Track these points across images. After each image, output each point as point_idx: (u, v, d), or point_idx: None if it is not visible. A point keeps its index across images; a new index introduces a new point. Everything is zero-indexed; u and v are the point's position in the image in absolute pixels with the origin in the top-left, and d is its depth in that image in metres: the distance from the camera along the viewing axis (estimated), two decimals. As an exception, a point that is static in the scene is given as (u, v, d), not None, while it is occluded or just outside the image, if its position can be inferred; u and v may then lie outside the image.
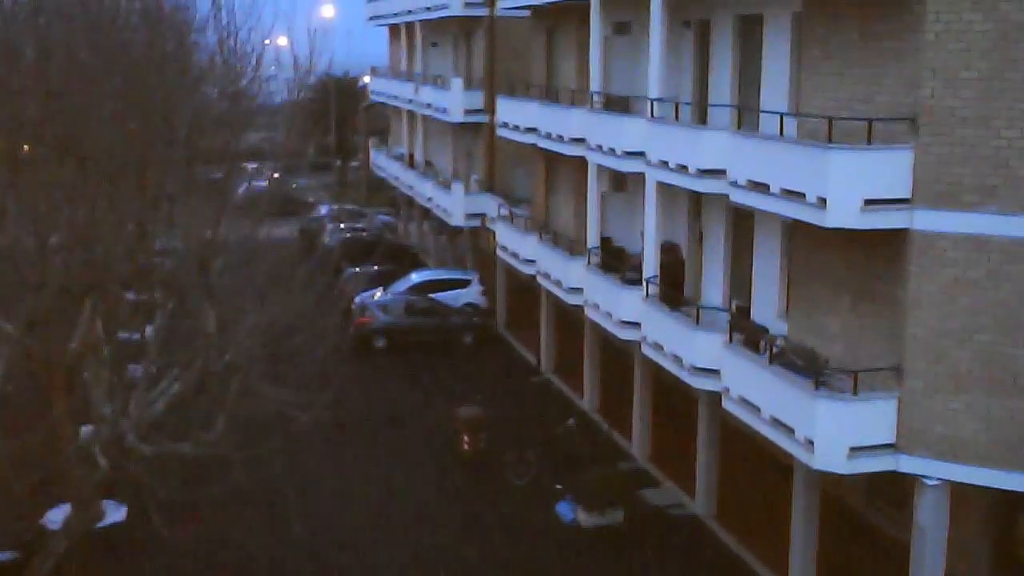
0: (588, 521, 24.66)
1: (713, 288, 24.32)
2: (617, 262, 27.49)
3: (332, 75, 68.80)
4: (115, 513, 24.23)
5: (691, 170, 21.84)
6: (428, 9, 45.34)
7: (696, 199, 24.68)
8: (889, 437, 17.72)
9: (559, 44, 34.00)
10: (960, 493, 17.71)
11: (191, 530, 22.91)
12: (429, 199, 45.88)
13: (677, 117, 23.79)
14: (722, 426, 24.37)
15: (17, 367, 18.52)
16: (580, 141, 28.44)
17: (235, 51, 19.70)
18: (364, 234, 52.60)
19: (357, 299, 39.69)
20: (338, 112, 75.49)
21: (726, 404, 20.77)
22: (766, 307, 22.02)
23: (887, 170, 17.29)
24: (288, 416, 18.77)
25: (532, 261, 32.98)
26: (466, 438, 28.33)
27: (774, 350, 19.80)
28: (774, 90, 21.58)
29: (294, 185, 64.48)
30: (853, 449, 17.64)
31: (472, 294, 41.41)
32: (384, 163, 56.94)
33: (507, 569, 22.90)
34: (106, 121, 18.35)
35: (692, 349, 22.02)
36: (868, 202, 17.19)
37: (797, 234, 20.28)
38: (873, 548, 20.14)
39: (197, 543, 23.32)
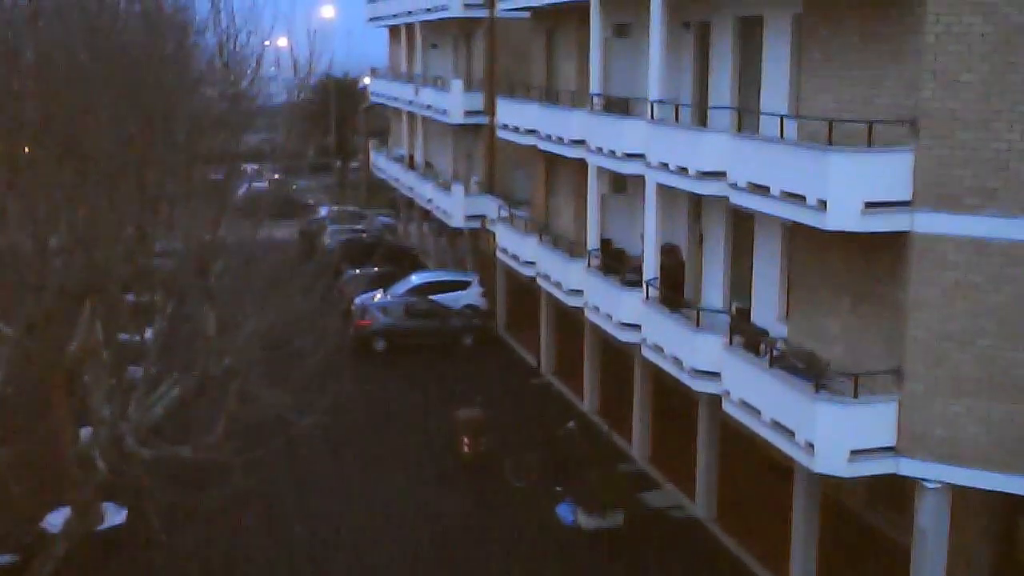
0: (588, 523, 24.64)
1: (713, 290, 24.30)
2: (617, 264, 27.47)
3: (332, 76, 68.78)
4: (115, 516, 24.22)
5: (691, 172, 21.81)
6: (428, 10, 45.33)
7: (696, 201, 24.66)
8: (889, 440, 17.69)
9: (559, 45, 33.98)
10: (961, 496, 17.68)
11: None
12: (429, 201, 45.86)
13: (677, 119, 23.77)
14: (722, 428, 24.35)
15: (17, 370, 18.49)
16: (580, 143, 28.41)
17: (235, 53, 19.68)
18: (364, 236, 52.58)
19: (357, 301, 39.69)
20: (338, 113, 75.48)
21: (726, 407, 20.75)
22: (766, 310, 22.00)
23: (887, 173, 17.26)
24: (288, 419, 18.77)
25: (532, 263, 32.96)
26: (466, 440, 28.31)
27: (774, 353, 19.77)
28: (774, 92, 21.57)
29: (294, 187, 64.52)
30: (854, 452, 17.62)
31: (472, 296, 41.39)
32: (384, 164, 56.92)
33: (507, 571, 22.87)
34: (105, 123, 18.32)
35: (692, 351, 22.00)
36: (868, 205, 17.17)
37: (797, 236, 20.26)
38: (874, 551, 20.12)
39: (197, 546, 23.30)
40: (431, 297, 39.88)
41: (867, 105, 18.31)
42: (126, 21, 20.89)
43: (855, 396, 17.71)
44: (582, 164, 29.08)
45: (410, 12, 49.07)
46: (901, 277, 17.65)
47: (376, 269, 44.40)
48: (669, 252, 25.28)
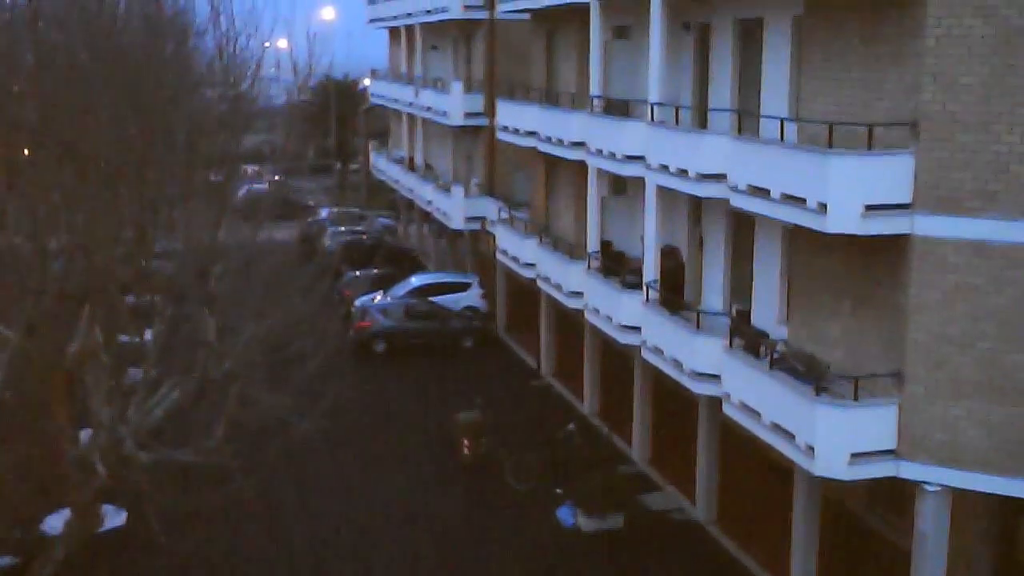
0: (588, 526, 24.63)
1: (713, 292, 24.28)
2: (617, 266, 27.46)
3: (332, 78, 68.81)
4: (115, 518, 24.21)
5: (691, 174, 21.80)
6: (428, 12, 45.34)
7: (696, 203, 24.64)
8: (890, 443, 17.67)
9: (559, 47, 33.97)
10: (961, 499, 17.66)
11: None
12: (429, 202, 45.85)
13: (677, 121, 23.76)
14: (722, 430, 24.33)
15: (17, 372, 18.48)
16: (580, 145, 28.40)
17: (234, 56, 19.68)
18: (364, 237, 52.56)
19: (357, 303, 39.69)
20: (338, 114, 75.49)
21: (726, 409, 20.73)
22: (766, 312, 21.98)
23: (888, 175, 17.24)
24: (288, 422, 18.76)
25: (532, 265, 32.94)
26: (466, 443, 28.30)
27: (774, 355, 19.75)
28: (774, 94, 21.55)
29: (294, 188, 64.53)
30: (854, 455, 17.59)
31: (472, 297, 41.38)
32: (384, 166, 56.92)
33: (507, 574, 22.85)
34: (105, 124, 18.32)
35: (692, 354, 21.98)
36: (869, 207, 17.14)
37: (798, 239, 20.25)
38: (874, 553, 20.10)
39: (197, 548, 23.27)
40: (431, 299, 39.87)
41: (867, 107, 18.30)
42: (126, 23, 20.89)
43: (855, 399, 17.69)
44: (582, 166, 29.07)
45: (410, 14, 49.08)
46: (901, 280, 17.63)
47: (376, 271, 44.40)
48: (669, 254, 25.26)
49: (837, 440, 17.58)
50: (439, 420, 30.68)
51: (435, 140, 49.48)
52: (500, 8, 37.40)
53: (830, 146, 17.61)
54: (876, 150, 17.44)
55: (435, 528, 24.87)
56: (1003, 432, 16.92)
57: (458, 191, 42.00)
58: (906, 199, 17.25)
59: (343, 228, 54.80)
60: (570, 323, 33.04)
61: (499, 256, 36.79)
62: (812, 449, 17.69)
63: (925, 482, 17.46)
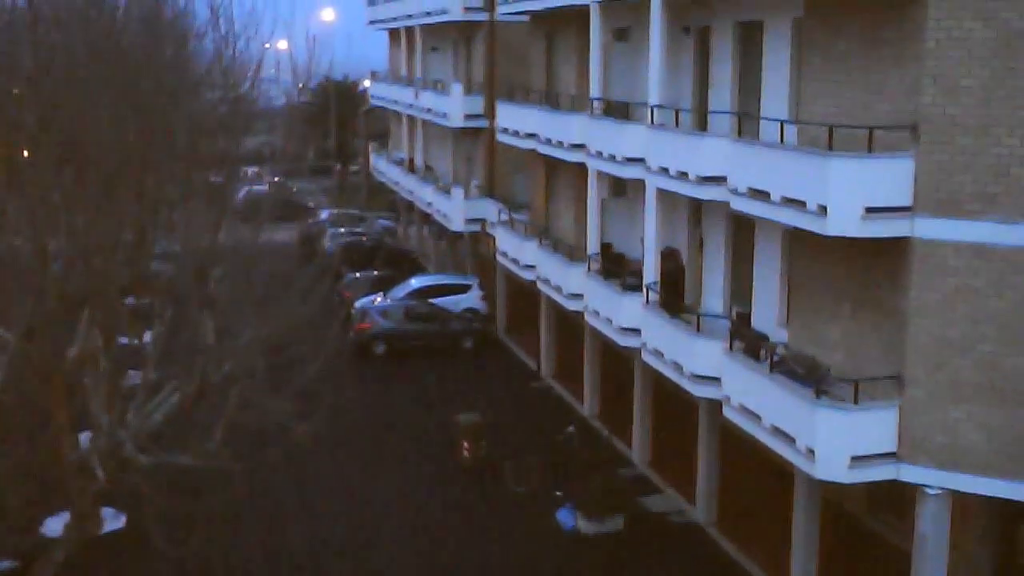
0: (588, 528, 24.61)
1: (713, 295, 24.27)
2: (617, 268, 27.45)
3: (332, 79, 68.77)
4: (114, 521, 24.19)
5: (691, 177, 21.80)
6: (428, 14, 45.34)
7: (696, 206, 24.63)
8: (890, 446, 17.66)
9: (559, 49, 33.96)
10: (961, 502, 17.65)
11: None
12: (429, 204, 45.85)
13: (677, 124, 23.76)
14: (722, 432, 24.31)
15: (16, 375, 18.46)
16: (580, 147, 28.39)
17: (234, 59, 19.67)
18: (364, 239, 52.55)
19: (357, 304, 39.67)
20: (338, 116, 75.47)
21: (727, 412, 20.72)
22: (767, 314, 21.97)
23: (888, 178, 17.24)
24: (288, 426, 18.72)
25: (532, 267, 32.94)
26: (466, 445, 28.29)
27: (775, 358, 19.74)
28: (774, 97, 21.54)
29: (294, 189, 64.54)
30: (854, 458, 17.58)
31: (472, 299, 41.37)
32: (384, 167, 56.91)
33: (507, 577, 22.88)
34: (105, 126, 18.31)
35: (692, 356, 21.97)
36: (869, 210, 17.14)
37: (798, 242, 20.24)
38: (874, 556, 20.09)
39: (197, 551, 23.22)
40: (431, 301, 39.87)
41: (867, 110, 18.29)
42: (125, 25, 20.89)
43: (856, 402, 17.68)
44: (582, 168, 29.06)
45: (410, 15, 49.07)
46: (901, 283, 17.62)
47: (376, 272, 44.38)
48: (669, 256, 25.25)
49: (837, 443, 17.57)
50: (439, 422, 30.66)
51: (435, 142, 49.47)
52: (500, 10, 37.39)
53: (830, 149, 17.61)
54: (876, 153, 17.43)
55: (435, 530, 24.86)
56: (1003, 435, 16.91)
57: (458, 193, 42.00)
58: (906, 202, 17.25)
59: (343, 230, 54.78)
60: (570, 325, 33.03)
61: (499, 258, 36.78)
62: (812, 452, 17.68)
63: (925, 485, 17.45)
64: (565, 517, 25.16)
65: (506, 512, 25.81)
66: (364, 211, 63.84)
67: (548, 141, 30.63)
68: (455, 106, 42.10)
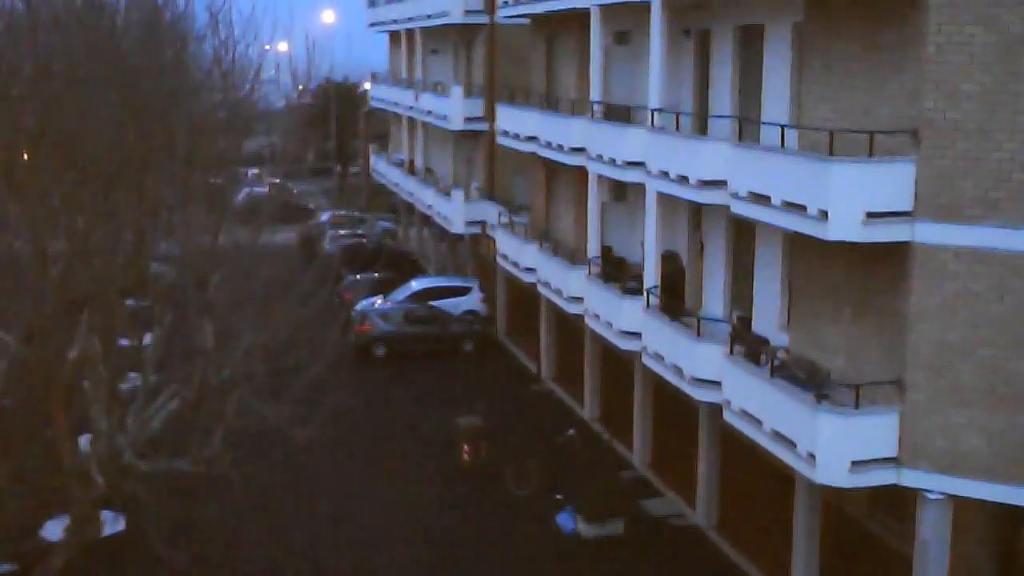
0: (588, 531, 24.59)
1: (714, 299, 24.25)
2: (618, 272, 27.42)
3: (332, 80, 68.79)
4: (114, 524, 24.16)
5: (692, 181, 21.78)
6: (428, 16, 45.34)
7: (697, 210, 24.61)
8: (891, 451, 17.63)
9: (559, 53, 33.95)
10: (962, 506, 17.62)
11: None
12: (429, 206, 45.83)
13: (678, 127, 23.74)
14: (723, 435, 24.29)
15: (15, 380, 18.45)
16: (580, 150, 28.38)
17: (233, 63, 19.67)
18: (364, 240, 52.52)
19: (357, 307, 39.64)
20: (338, 117, 75.48)
21: (727, 416, 20.69)
22: (767, 319, 21.95)
23: (889, 183, 17.21)
24: (287, 430, 18.70)
25: (532, 270, 32.91)
26: (466, 448, 28.27)
27: (775, 362, 19.72)
28: (775, 101, 21.52)
29: (294, 191, 64.52)
30: (855, 463, 17.55)
31: (472, 302, 41.33)
32: (384, 169, 56.90)
33: (507, 581, 22.86)
34: (104, 129, 18.31)
35: (693, 360, 21.94)
36: (870, 215, 17.12)
37: (798, 246, 20.21)
38: (875, 559, 20.07)
39: (197, 554, 23.21)
40: (431, 303, 39.84)
41: (868, 115, 18.27)
42: (125, 28, 20.89)
43: (856, 407, 17.65)
44: (582, 171, 29.04)
45: (410, 18, 49.06)
46: (902, 287, 17.60)
47: (376, 275, 44.35)
48: (670, 260, 25.23)
49: (838, 448, 17.53)
50: (439, 425, 30.63)
51: (435, 144, 49.46)
52: (500, 13, 37.38)
53: (831, 153, 17.58)
54: (877, 157, 17.41)
55: (435, 533, 24.83)
56: (1004, 439, 16.88)
57: (458, 195, 41.99)
58: (907, 207, 17.22)
59: (343, 231, 54.75)
60: (570, 328, 33.01)
61: (499, 260, 36.77)
62: (813, 457, 17.65)
63: (926, 490, 17.42)
64: (565, 520, 25.14)
65: (506, 515, 25.79)
66: (364, 213, 63.83)
67: (548, 144, 30.61)
68: (455, 108, 42.09)
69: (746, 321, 22.61)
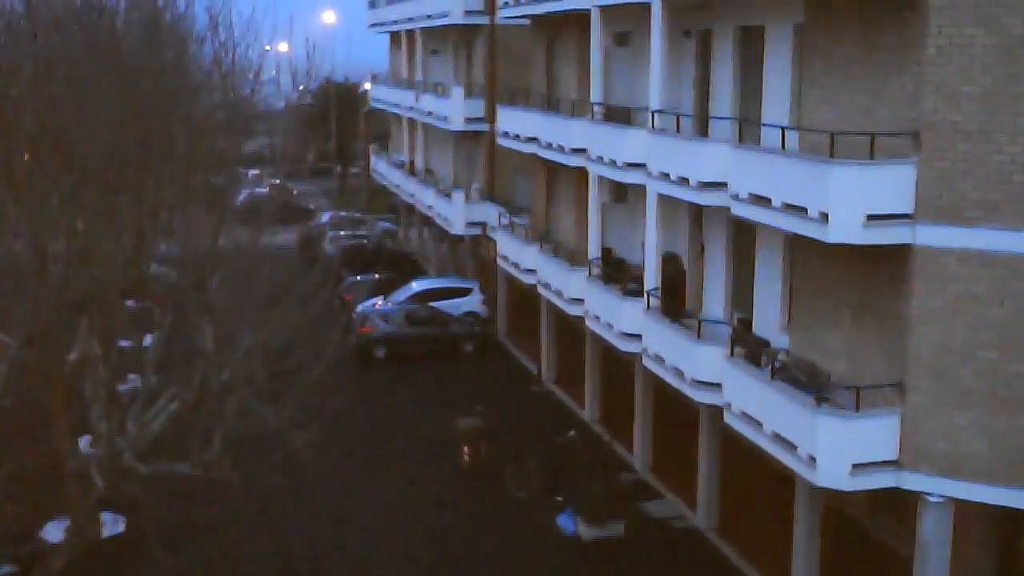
0: (589, 533, 24.57)
1: (714, 301, 24.23)
2: (618, 273, 27.41)
3: (333, 81, 68.77)
4: (114, 526, 24.14)
5: (692, 182, 21.75)
6: (429, 17, 45.33)
7: (697, 211, 24.59)
8: (892, 454, 17.60)
9: (559, 54, 33.93)
10: (963, 509, 17.59)
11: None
12: (430, 207, 45.83)
13: (678, 129, 23.72)
14: (723, 437, 24.27)
15: (15, 382, 18.43)
16: (581, 152, 28.35)
17: (233, 64, 19.64)
18: (365, 241, 52.51)
19: (358, 308, 39.63)
20: (339, 118, 75.47)
21: (727, 418, 20.67)
22: (768, 321, 21.93)
23: (889, 185, 17.19)
24: (287, 434, 18.67)
25: (533, 271, 32.90)
26: (467, 449, 28.26)
27: (776, 365, 19.70)
28: (775, 102, 21.50)
29: (295, 192, 64.51)
30: (856, 466, 17.52)
31: (473, 303, 41.33)
32: (385, 170, 56.89)
33: (507, 583, 22.84)
34: (104, 130, 18.28)
35: (693, 362, 21.92)
36: (870, 217, 17.09)
37: (799, 248, 20.19)
38: (875, 562, 20.05)
39: (197, 556, 23.20)
40: (432, 304, 39.83)
41: (869, 117, 18.25)
42: (125, 30, 20.87)
43: (857, 409, 17.63)
44: (583, 173, 29.02)
45: (411, 19, 49.06)
46: (903, 290, 17.58)
47: (377, 276, 44.34)
48: (670, 262, 25.21)
49: (839, 451, 17.51)
50: (439, 426, 30.62)
51: (436, 145, 49.44)
52: (501, 14, 37.37)
53: (831, 155, 17.56)
54: (878, 160, 17.39)
55: (435, 535, 24.82)
56: (1005, 442, 16.86)
57: (459, 196, 41.97)
58: (908, 209, 17.20)
59: (344, 232, 54.74)
60: (571, 329, 32.99)
61: (500, 262, 36.76)
62: (813, 460, 17.62)
63: (927, 493, 17.39)
64: (565, 522, 25.12)
65: (506, 517, 25.77)
66: (365, 214, 63.82)
67: (549, 145, 30.60)
68: (456, 109, 42.08)
69: (747, 323, 22.59)
